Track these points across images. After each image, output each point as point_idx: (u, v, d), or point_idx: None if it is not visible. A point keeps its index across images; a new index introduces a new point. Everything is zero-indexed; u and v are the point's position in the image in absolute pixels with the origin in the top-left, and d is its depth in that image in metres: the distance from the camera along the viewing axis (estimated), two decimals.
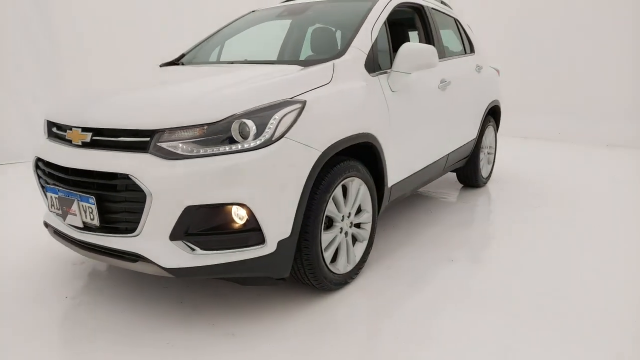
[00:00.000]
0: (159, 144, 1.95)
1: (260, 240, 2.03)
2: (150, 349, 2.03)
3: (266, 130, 2.00)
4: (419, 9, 3.52)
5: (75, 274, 2.74)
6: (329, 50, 2.76)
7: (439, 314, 2.31)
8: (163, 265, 1.99)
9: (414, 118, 3.01)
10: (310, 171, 2.12)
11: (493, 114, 4.71)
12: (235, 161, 1.94)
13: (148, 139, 1.98)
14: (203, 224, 1.99)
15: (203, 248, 2.01)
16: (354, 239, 2.63)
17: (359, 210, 2.62)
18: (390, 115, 2.73)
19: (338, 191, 2.37)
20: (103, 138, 2.09)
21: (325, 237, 2.34)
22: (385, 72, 2.79)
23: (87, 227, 2.14)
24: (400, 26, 3.86)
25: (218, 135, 1.96)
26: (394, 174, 2.87)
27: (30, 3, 6.16)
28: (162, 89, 2.39)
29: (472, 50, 4.33)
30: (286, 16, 3.46)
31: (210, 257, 2.01)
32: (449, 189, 4.58)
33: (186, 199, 1.92)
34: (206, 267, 2.01)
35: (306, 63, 2.52)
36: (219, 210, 1.97)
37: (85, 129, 2.14)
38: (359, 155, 2.61)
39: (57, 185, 2.21)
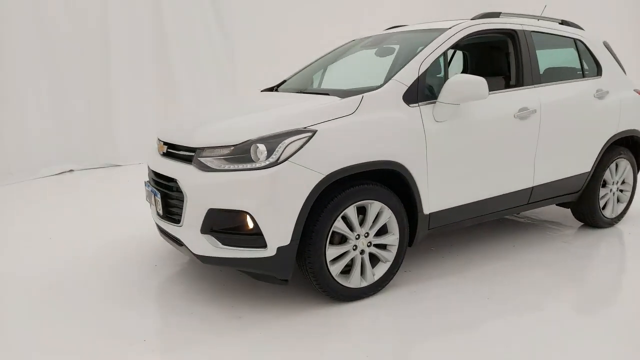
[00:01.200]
0: (199, 158, 2.55)
1: (263, 244, 2.46)
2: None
3: (274, 154, 2.42)
4: (510, 34, 3.40)
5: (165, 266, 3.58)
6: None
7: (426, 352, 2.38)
8: (194, 252, 2.59)
9: (465, 148, 3.00)
10: (312, 190, 2.45)
11: (631, 146, 4.09)
12: (245, 177, 2.42)
13: (193, 154, 2.60)
14: (222, 224, 2.52)
15: (223, 243, 2.54)
16: (376, 259, 2.83)
17: (384, 232, 2.81)
18: (428, 144, 2.82)
19: (351, 211, 2.62)
20: (172, 151, 2.80)
21: (333, 251, 2.62)
22: (432, 103, 2.88)
23: (159, 215, 2.89)
24: (484, 51, 3.80)
25: (240, 155, 2.47)
26: (435, 202, 2.93)
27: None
28: (221, 115, 3.01)
29: (598, 74, 3.87)
30: (371, 46, 3.74)
31: (228, 251, 2.53)
32: (562, 224, 4.16)
33: (209, 203, 2.48)
34: (224, 259, 2.54)
35: (346, 94, 2.82)
36: (232, 215, 2.47)
37: (165, 143, 2.89)
38: (388, 180, 2.80)
39: (149, 183, 3.03)
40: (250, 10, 7.90)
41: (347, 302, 2.76)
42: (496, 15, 3.46)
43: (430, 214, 2.95)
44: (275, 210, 2.43)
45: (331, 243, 2.66)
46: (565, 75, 3.73)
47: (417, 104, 2.85)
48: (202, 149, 2.56)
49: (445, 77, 3.03)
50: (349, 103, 2.68)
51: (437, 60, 3.04)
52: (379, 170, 2.70)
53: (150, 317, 2.73)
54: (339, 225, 2.61)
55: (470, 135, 3.03)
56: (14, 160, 6.22)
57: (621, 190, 4.11)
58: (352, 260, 2.73)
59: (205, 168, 2.52)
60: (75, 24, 6.56)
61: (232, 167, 2.46)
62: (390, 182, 2.82)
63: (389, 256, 2.84)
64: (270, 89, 3.90)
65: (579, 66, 3.83)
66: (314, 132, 2.49)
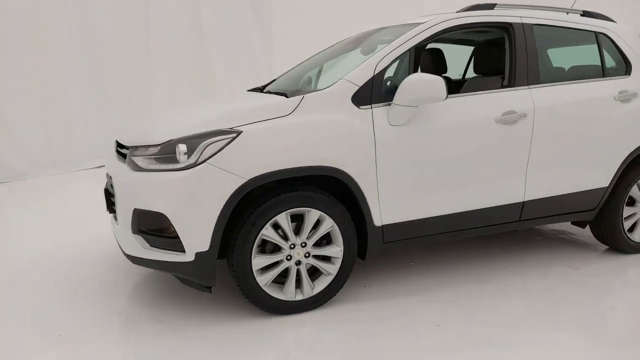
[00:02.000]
0: (131, 157, 2.53)
1: (181, 248, 2.38)
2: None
3: (193, 155, 2.33)
4: (505, 28, 3.01)
5: None
6: None
7: None
8: (125, 251, 2.58)
9: (429, 155, 2.69)
10: (232, 195, 2.33)
11: None
12: (164, 178, 2.35)
13: (127, 152, 2.59)
14: (147, 225, 2.48)
15: (150, 244, 2.50)
16: (319, 271, 2.63)
17: (329, 243, 2.60)
18: (378, 150, 2.56)
19: (282, 218, 2.46)
20: (119, 149, 2.81)
21: (261, 259, 2.47)
22: (388, 105, 2.62)
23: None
24: (477, 47, 3.43)
25: (166, 155, 2.41)
26: (389, 213, 2.66)
27: None
28: (169, 115, 2.98)
29: (626, 72, 3.30)
30: (358, 44, 3.50)
31: (154, 253, 2.48)
32: (584, 244, 3.61)
33: (134, 203, 2.45)
34: (150, 261, 2.50)
35: (293, 94, 2.65)
36: (153, 216, 2.42)
37: (116, 141, 2.91)
38: (335, 188, 2.59)
39: None
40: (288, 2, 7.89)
41: (282, 315, 2.59)
42: (489, 7, 3.09)
43: (383, 226, 2.68)
44: (191, 214, 2.34)
45: (263, 251, 2.52)
46: (579, 74, 3.23)
47: (369, 106, 2.60)
48: (135, 147, 2.54)
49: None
50: (287, 104, 2.52)
51: (405, 58, 2.77)
52: (320, 176, 2.51)
53: (79, 313, 2.71)
54: (267, 233, 2.45)
55: (437, 141, 2.71)
56: (59, 154, 6.74)
57: None
58: (288, 271, 2.56)
59: (136, 167, 2.49)
60: (116, 24, 6.96)
61: (156, 167, 2.41)
62: (338, 189, 2.60)
63: (331, 269, 2.63)
64: (258, 89, 3.81)
65: (598, 64, 3.29)
66: (239, 133, 2.36)
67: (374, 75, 2.63)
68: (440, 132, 2.72)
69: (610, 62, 3.33)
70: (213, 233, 2.35)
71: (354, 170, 2.52)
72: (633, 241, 3.42)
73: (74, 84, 6.79)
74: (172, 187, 2.34)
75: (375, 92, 2.62)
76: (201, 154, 2.32)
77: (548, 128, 2.96)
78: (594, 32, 3.28)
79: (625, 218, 3.37)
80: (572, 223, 3.49)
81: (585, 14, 3.40)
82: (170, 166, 2.36)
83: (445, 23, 2.84)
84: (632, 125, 3.21)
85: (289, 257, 2.54)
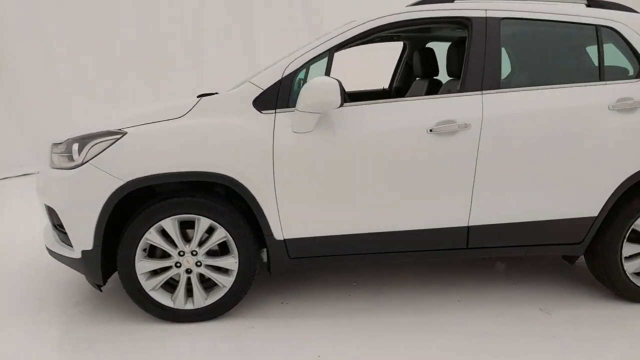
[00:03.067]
0: (51, 154, 2.66)
1: (70, 244, 2.45)
2: None
3: (80, 154, 2.37)
4: (463, 23, 2.58)
5: None
6: None
7: None
8: (45, 244, 2.73)
9: (340, 166, 2.41)
10: (110, 197, 2.32)
11: None
12: (58, 176, 2.45)
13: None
14: (54, 220, 2.59)
15: (59, 238, 2.62)
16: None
17: (224, 253, 2.48)
18: (276, 158, 2.36)
19: (168, 224, 2.39)
20: None
21: (146, 264, 2.43)
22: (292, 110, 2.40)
23: None
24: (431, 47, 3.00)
25: (68, 154, 2.48)
26: (293, 227, 2.45)
27: None
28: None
29: (637, 75, 2.62)
30: None
31: (59, 247, 2.59)
32: (581, 285, 2.96)
33: (43, 198, 2.59)
34: (56, 254, 2.61)
35: (201, 96, 2.56)
36: (53, 211, 2.51)
37: None
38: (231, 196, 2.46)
39: None
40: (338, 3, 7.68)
41: (173, 322, 2.53)
42: None
43: (286, 240, 2.47)
44: (74, 213, 2.39)
45: (151, 256, 2.48)
46: (566, 77, 2.65)
47: (272, 111, 2.41)
48: (54, 144, 2.66)
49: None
50: (181, 106, 2.44)
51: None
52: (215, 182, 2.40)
53: None
54: (151, 238, 2.40)
55: (349, 151, 2.41)
56: None
57: None
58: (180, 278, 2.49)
59: (51, 164, 2.61)
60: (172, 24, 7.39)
61: (59, 164, 2.50)
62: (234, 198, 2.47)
63: (225, 281, 2.49)
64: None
65: (594, 64, 2.65)
66: (123, 134, 2.35)
67: (281, 78, 2.43)
68: (355, 141, 2.42)
69: (614, 62, 2.67)
70: (95, 232, 2.37)
71: (248, 178, 2.36)
72: (639, 287, 2.72)
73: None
74: (62, 184, 2.41)
75: (281, 97, 2.42)
76: (87, 154, 2.35)
77: (503, 142, 2.47)
78: (595, 25, 2.64)
79: (629, 257, 2.69)
80: (563, 258, 2.90)
81: (592, 3, 2.76)
82: (67, 164, 2.43)
83: (380, 20, 2.52)
84: (635, 142, 2.54)
85: (178, 264, 2.46)
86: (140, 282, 2.44)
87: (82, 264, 2.44)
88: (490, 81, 2.51)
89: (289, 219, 2.44)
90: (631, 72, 2.65)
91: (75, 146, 2.39)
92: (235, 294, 2.52)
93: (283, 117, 2.40)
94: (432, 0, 2.66)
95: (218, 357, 2.29)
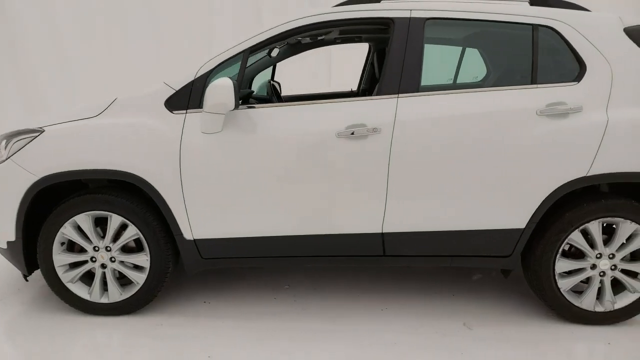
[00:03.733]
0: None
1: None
2: None
3: (6, 150, 2.51)
4: (387, 24, 2.50)
5: None
6: None
7: None
8: None
9: (247, 168, 2.39)
10: (27, 192, 2.43)
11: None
12: None
13: None
14: None
15: None
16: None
17: (140, 250, 2.55)
18: (183, 158, 2.39)
19: (82, 219, 2.48)
20: None
21: (63, 257, 2.53)
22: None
23: None
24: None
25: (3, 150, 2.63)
26: (202, 227, 2.47)
27: None
28: None
29: (575, 78, 2.42)
30: None
31: None
32: (519, 301, 2.79)
33: None
34: None
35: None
36: None
37: None
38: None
39: None
40: None
41: (91, 314, 2.63)
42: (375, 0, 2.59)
43: (196, 240, 2.49)
44: (1, 205, 2.52)
45: (71, 250, 2.58)
46: (493, 79, 2.51)
47: (184, 111, 2.44)
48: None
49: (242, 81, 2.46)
50: (98, 105, 2.52)
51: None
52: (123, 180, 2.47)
53: None
54: (66, 232, 2.50)
55: (257, 153, 2.40)
56: None
57: (626, 272, 2.51)
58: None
59: None
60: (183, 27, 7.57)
61: None
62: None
63: (139, 278, 2.55)
64: None
65: (528, 67, 2.48)
66: (41, 132, 2.46)
67: (194, 79, 2.45)
68: (263, 144, 2.40)
69: (550, 64, 2.49)
70: (16, 226, 2.49)
71: (155, 178, 2.40)
72: (576, 306, 2.52)
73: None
74: None
75: (193, 98, 2.44)
76: (9, 150, 2.48)
77: (418, 147, 2.36)
78: (531, 24, 2.48)
79: (564, 274, 2.52)
80: (501, 271, 2.74)
81: (535, 2, 2.59)
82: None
83: (297, 22, 2.48)
84: (565, 149, 2.35)
85: (93, 259, 2.55)
86: (58, 274, 2.55)
87: (8, 254, 2.58)
88: (409, 84, 2.41)
89: (197, 220, 2.46)
90: (569, 75, 2.46)
91: (3, 142, 2.52)
92: (149, 290, 2.57)
93: (194, 117, 2.42)
94: (359, 1, 2.59)
95: (105, 352, 2.34)
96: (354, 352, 2.31)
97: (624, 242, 2.46)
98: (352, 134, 2.34)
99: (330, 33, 3.06)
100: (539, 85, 2.41)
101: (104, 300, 2.59)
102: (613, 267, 2.48)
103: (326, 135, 2.37)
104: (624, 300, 2.52)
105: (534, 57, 2.45)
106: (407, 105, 2.38)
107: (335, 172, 2.40)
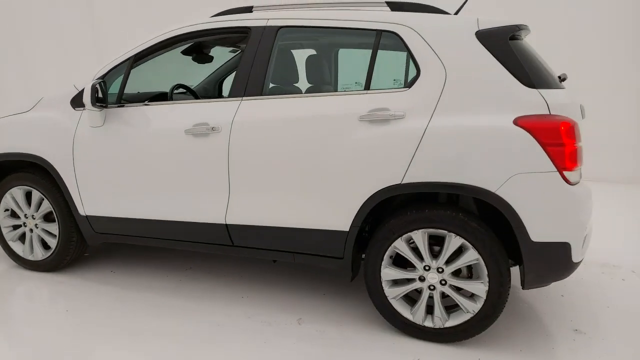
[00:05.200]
0: None
1: None
2: None
3: None
4: (246, 33, 2.73)
5: None
6: None
7: None
8: None
9: (115, 157, 2.83)
10: None
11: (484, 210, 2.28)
12: None
13: None
14: None
15: None
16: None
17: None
18: (75, 146, 2.91)
19: (16, 192, 3.16)
20: None
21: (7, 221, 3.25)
22: None
23: None
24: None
25: None
26: (91, 205, 2.97)
27: None
28: None
29: (408, 84, 2.36)
30: None
31: None
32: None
33: None
34: None
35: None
36: None
37: None
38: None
39: None
40: None
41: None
42: (247, 9, 2.82)
43: (87, 216, 3.01)
44: None
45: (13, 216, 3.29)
46: (332, 84, 2.56)
47: (82, 109, 2.96)
48: None
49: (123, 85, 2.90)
50: (33, 101, 3.17)
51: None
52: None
53: None
54: (7, 202, 3.20)
55: (123, 145, 2.82)
56: None
57: (456, 288, 2.38)
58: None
59: None
60: None
61: None
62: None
63: (50, 243, 3.16)
64: None
65: (364, 72, 2.49)
66: None
67: (92, 82, 2.96)
68: (127, 137, 2.81)
69: (387, 69, 2.47)
70: None
71: (56, 161, 2.98)
72: (403, 317, 2.46)
73: None
74: None
75: (91, 96, 2.95)
76: None
77: (252, 147, 2.55)
78: (376, 30, 2.49)
79: (392, 283, 2.47)
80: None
81: (393, 6, 2.58)
82: None
83: (175, 31, 2.85)
84: (382, 157, 2.33)
85: (25, 224, 3.22)
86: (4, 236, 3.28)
87: None
88: (254, 88, 2.61)
89: (87, 199, 2.97)
90: (405, 81, 2.42)
91: None
92: (59, 254, 3.15)
93: (87, 114, 2.93)
94: (235, 11, 2.85)
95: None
96: (180, 327, 2.57)
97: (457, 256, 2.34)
98: (194, 131, 2.63)
99: (220, 41, 3.30)
100: (369, 91, 2.42)
101: (30, 257, 3.25)
102: (443, 282, 2.37)
103: (177, 133, 2.69)
104: (458, 319, 2.38)
105: (371, 63, 2.47)
106: (247, 107, 2.59)
107: (185, 166, 2.70)
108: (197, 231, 2.79)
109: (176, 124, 2.71)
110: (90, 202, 2.98)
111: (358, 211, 2.41)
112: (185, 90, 3.39)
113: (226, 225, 2.70)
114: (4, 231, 3.28)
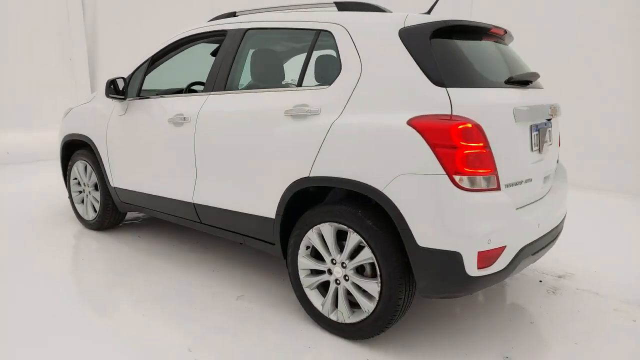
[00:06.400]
0: None
1: None
2: None
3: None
4: (223, 35, 3.07)
5: None
6: None
7: None
8: None
9: (127, 140, 3.44)
10: (63, 144, 4.14)
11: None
12: None
13: None
14: None
15: None
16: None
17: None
18: (108, 131, 3.62)
19: (79, 165, 4.02)
20: None
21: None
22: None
23: None
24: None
25: None
26: (117, 179, 3.65)
27: None
28: None
29: (330, 81, 2.42)
30: None
31: None
32: None
33: None
34: None
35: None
36: None
37: None
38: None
39: None
40: None
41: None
42: (231, 14, 3.17)
43: (115, 187, 3.70)
44: None
45: None
46: (277, 81, 2.73)
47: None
48: None
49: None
50: (94, 94, 3.98)
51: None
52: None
53: None
54: (79, 174, 4.09)
55: (131, 130, 3.44)
56: None
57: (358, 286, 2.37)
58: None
59: None
60: None
61: None
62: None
63: (96, 208, 3.94)
64: None
65: (301, 70, 2.60)
66: (70, 109, 4.11)
67: (124, 78, 3.62)
68: (133, 124, 3.41)
69: (319, 67, 2.55)
70: None
71: (97, 141, 3.75)
72: (315, 308, 2.53)
73: None
74: None
75: (120, 89, 3.61)
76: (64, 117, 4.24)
77: (206, 135, 2.90)
78: (315, 30, 2.60)
79: (309, 272, 2.56)
80: None
81: (340, 6, 2.66)
82: None
83: (175, 37, 3.35)
84: (297, 150, 2.45)
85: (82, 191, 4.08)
86: None
87: None
88: (220, 83, 2.95)
89: (114, 173, 3.65)
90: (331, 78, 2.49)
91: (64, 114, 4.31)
92: (104, 214, 3.92)
93: (120, 103, 3.61)
94: (224, 16, 3.22)
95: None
96: (148, 290, 3.04)
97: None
98: (173, 121, 3.08)
99: (212, 42, 3.63)
100: (299, 88, 2.56)
101: (86, 218, 4.09)
102: (346, 278, 2.39)
103: (163, 121, 3.18)
104: (358, 317, 2.37)
105: (306, 61, 2.61)
106: (211, 101, 2.94)
107: (168, 150, 3.18)
108: (176, 208, 3.24)
109: (165, 114, 3.19)
110: (116, 176, 3.66)
111: (279, 200, 2.57)
112: (200, 86, 3.87)
113: (193, 204, 3.08)
114: (73, 195, 4.20)
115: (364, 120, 2.23)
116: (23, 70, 8.03)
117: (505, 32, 2.68)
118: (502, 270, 2.15)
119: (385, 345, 2.38)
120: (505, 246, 2.13)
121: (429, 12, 2.66)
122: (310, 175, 2.39)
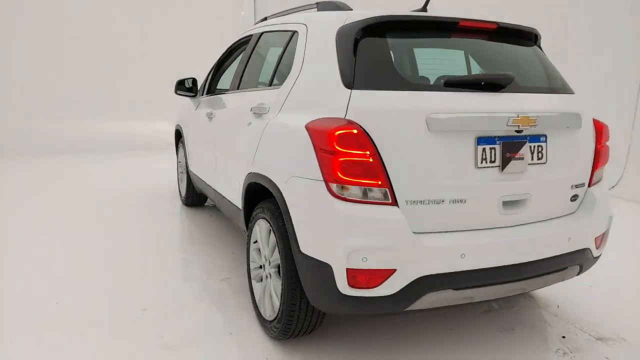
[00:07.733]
0: None
1: None
2: None
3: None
4: (249, 38, 3.36)
5: None
6: None
7: None
8: None
9: (193, 132, 4.02)
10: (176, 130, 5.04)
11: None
12: None
13: None
14: None
15: None
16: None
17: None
18: (188, 123, 4.30)
19: (181, 149, 4.84)
20: None
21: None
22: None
23: None
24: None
25: None
26: (192, 165, 4.29)
27: None
28: None
29: (281, 82, 2.44)
30: None
31: None
32: None
33: None
34: None
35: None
36: None
37: None
38: None
39: None
40: None
41: None
42: (264, 19, 3.42)
43: (189, 171, 4.36)
44: None
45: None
46: (263, 81, 2.88)
47: (198, 96, 4.27)
48: None
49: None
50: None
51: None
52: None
53: None
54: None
55: (196, 123, 4.00)
56: None
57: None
58: None
59: None
60: None
61: None
62: None
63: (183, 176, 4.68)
64: None
65: (273, 70, 2.68)
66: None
67: (194, 78, 4.19)
68: (197, 119, 3.96)
69: (284, 67, 2.59)
70: None
71: (184, 132, 4.47)
72: (262, 316, 2.52)
73: None
74: None
75: (203, 88, 4.22)
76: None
77: (217, 129, 3.28)
78: (289, 31, 2.66)
79: (255, 266, 2.65)
80: None
81: (319, 7, 2.65)
82: None
83: (231, 46, 3.77)
84: (248, 146, 2.58)
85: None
86: None
87: None
88: (236, 83, 3.24)
89: (190, 159, 4.31)
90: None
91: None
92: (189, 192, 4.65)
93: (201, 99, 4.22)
94: (260, 21, 3.49)
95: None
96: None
97: None
98: (208, 116, 3.52)
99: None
100: (268, 87, 2.69)
101: (183, 194, 4.88)
102: (269, 275, 2.42)
103: (203, 116, 3.65)
104: (273, 315, 2.37)
105: (278, 61, 2.70)
106: (225, 99, 3.29)
107: (205, 142, 3.64)
108: (211, 193, 3.66)
109: (206, 110, 3.65)
110: (190, 162, 4.31)
111: (242, 193, 2.73)
112: None
113: (214, 190, 3.47)
114: (178, 175, 5.05)
115: (285, 121, 2.24)
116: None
117: (499, 26, 2.27)
118: (392, 296, 1.89)
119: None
120: (394, 269, 1.87)
121: (424, 9, 2.45)
122: (251, 172, 2.50)
